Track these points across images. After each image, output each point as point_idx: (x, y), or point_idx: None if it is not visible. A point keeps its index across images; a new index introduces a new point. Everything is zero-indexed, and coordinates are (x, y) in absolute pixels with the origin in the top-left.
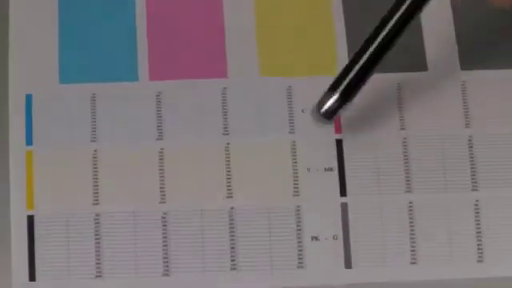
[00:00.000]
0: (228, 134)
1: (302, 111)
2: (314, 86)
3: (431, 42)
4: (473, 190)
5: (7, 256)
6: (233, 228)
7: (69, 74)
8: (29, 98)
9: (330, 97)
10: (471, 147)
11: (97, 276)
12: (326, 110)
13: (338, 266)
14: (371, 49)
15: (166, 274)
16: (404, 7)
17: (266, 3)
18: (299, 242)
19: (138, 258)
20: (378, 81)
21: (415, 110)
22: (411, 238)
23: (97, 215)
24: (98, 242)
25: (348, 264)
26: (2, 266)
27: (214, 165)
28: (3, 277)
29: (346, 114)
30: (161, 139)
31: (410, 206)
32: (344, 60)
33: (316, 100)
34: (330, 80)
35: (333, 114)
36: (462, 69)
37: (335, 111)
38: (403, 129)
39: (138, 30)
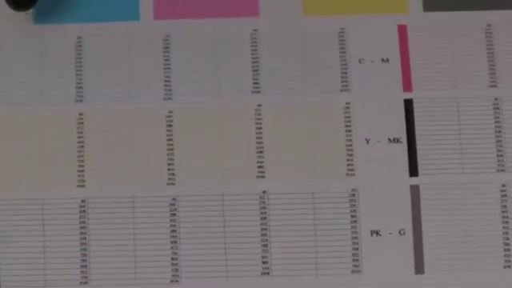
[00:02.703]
0: (259, 92)
1: (359, 61)
2: (375, 27)
3: None
4: None
5: None
6: (265, 219)
7: (46, 11)
8: None
9: None
10: None
11: (81, 283)
12: None
13: (406, 271)
14: None
15: (175, 281)
16: None
17: None
18: (354, 237)
19: (137, 261)
20: (461, 20)
21: (510, 61)
22: (504, 233)
23: (82, 201)
24: (84, 239)
25: (419, 268)
26: None
27: (241, 133)
28: None
29: (418, 65)
30: (169, 99)
31: (503, 190)
32: None
33: (377, 47)
34: (398, 19)
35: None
36: None
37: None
38: (494, 86)
39: None
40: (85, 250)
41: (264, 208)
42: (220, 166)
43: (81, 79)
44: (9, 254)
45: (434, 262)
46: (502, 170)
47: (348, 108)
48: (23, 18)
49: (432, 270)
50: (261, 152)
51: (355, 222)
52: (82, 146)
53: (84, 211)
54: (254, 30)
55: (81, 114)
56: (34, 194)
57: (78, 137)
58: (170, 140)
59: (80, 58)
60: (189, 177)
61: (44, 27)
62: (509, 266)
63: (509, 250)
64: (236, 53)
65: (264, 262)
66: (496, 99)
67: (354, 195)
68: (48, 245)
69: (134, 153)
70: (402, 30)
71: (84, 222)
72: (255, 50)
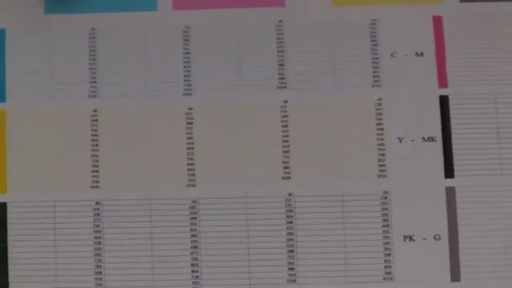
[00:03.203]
0: (285, 88)
1: (392, 55)
2: (408, 18)
3: None
4: None
5: None
6: (291, 223)
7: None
8: (1, 35)
9: None
10: None
11: (97, 284)
12: None
13: (442, 278)
14: None
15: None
16: None
17: None
18: (386, 243)
19: (155, 267)
20: (499, 11)
21: None
22: None
23: (97, 203)
24: (99, 243)
25: (455, 275)
26: None
27: (265, 131)
28: None
29: (454, 59)
30: (189, 94)
31: None
32: None
33: (411, 40)
34: (433, 10)
35: None
36: None
37: None
38: None
39: None
40: (99, 255)
41: (290, 211)
42: (243, 166)
43: (95, 73)
44: (19, 259)
45: (470, 269)
46: None
47: (380, 105)
48: (33, 6)
49: (469, 278)
50: (287, 151)
51: (387, 226)
52: (97, 145)
53: (98, 214)
54: (279, 21)
55: (95, 111)
56: (45, 196)
57: (92, 134)
58: (189, 138)
59: (94, 50)
60: (210, 178)
61: (55, 17)
62: None
63: None
64: (260, 45)
65: (290, 269)
66: None
67: (385, 198)
68: (60, 249)
69: (151, 152)
70: (438, 22)
71: (98, 226)
72: (281, 43)
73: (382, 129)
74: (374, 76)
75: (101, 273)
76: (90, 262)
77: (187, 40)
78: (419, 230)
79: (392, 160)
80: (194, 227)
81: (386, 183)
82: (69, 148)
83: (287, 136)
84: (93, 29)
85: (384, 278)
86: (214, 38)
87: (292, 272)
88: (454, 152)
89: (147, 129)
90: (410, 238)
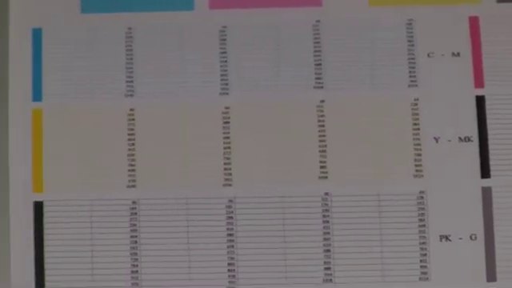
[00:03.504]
0: (322, 88)
1: (428, 55)
2: (445, 19)
3: None
4: None
5: (5, 259)
6: (327, 223)
7: None
8: (37, 34)
9: None
10: None
11: (133, 283)
12: None
13: (478, 278)
14: None
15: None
16: None
17: None
18: (422, 242)
19: (192, 266)
20: None
21: None
22: None
23: (133, 203)
24: (135, 243)
25: (491, 275)
26: None
27: (302, 131)
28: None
29: (491, 60)
30: (226, 94)
31: None
32: None
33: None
34: (469, 10)
35: None
36: None
37: None
38: None
39: None
40: (135, 254)
41: (327, 210)
42: (280, 165)
43: (132, 72)
44: (55, 257)
45: (507, 269)
46: None
47: (416, 105)
48: (69, 6)
49: (505, 278)
50: (323, 151)
51: (423, 226)
52: (133, 144)
53: (135, 213)
54: (316, 20)
55: (132, 110)
56: (82, 195)
57: (129, 134)
58: (226, 138)
59: (131, 49)
60: (247, 177)
61: (92, 16)
62: None
63: None
64: (297, 45)
65: (326, 269)
66: None
67: (422, 197)
68: (96, 249)
69: (188, 151)
70: (474, 22)
71: (135, 225)
72: (318, 43)
73: (419, 129)
74: (410, 76)
75: (137, 272)
76: (126, 261)
77: (224, 39)
78: (455, 230)
79: (428, 160)
80: (230, 226)
81: (423, 183)
82: (105, 147)
83: (324, 136)
84: (129, 28)
85: (420, 278)
86: (250, 38)
87: (328, 272)
88: (491, 152)
89: (184, 128)
90: (446, 237)
